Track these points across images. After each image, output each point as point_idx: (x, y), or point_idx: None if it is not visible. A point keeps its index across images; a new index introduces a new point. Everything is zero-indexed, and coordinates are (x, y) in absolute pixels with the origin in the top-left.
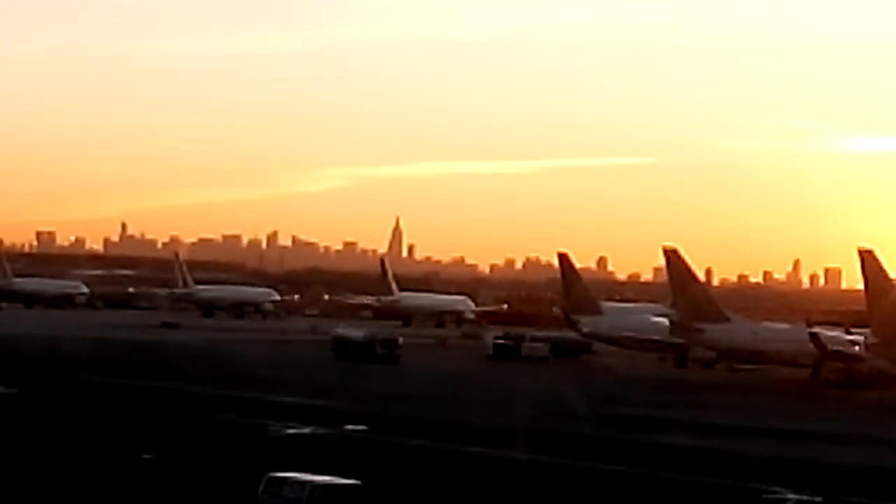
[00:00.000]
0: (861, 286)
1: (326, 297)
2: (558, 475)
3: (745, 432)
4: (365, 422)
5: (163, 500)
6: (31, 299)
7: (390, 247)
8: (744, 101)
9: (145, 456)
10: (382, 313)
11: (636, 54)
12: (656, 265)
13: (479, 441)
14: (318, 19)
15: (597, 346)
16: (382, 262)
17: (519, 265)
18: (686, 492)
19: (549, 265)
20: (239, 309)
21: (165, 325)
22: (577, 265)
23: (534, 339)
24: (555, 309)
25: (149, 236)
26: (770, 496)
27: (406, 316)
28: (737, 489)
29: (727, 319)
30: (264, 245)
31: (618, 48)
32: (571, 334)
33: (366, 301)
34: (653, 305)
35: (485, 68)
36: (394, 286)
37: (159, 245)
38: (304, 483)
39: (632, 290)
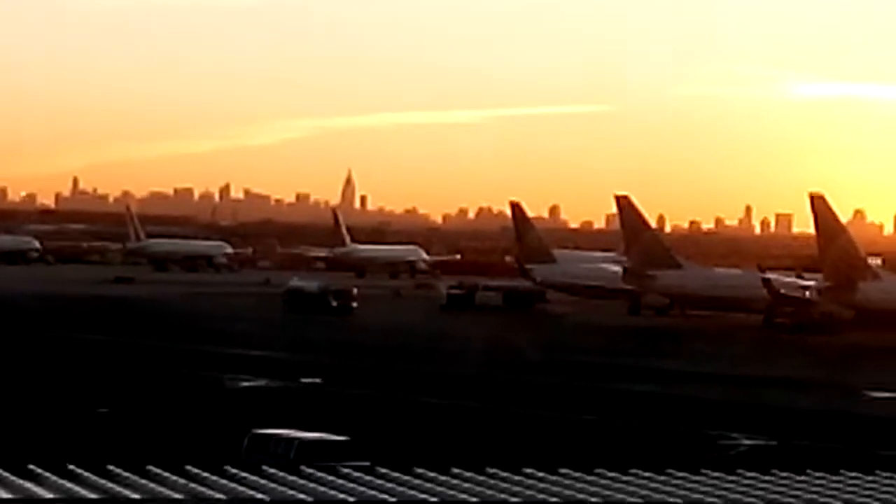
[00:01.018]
0: (812, 231)
1: (280, 249)
2: (519, 423)
3: (699, 378)
4: (320, 374)
5: (123, 455)
6: None
7: (343, 198)
8: (694, 48)
9: (101, 410)
10: (336, 265)
11: (586, 1)
12: (609, 213)
13: (438, 392)
14: None
15: (550, 294)
16: (335, 213)
17: (472, 215)
18: (641, 438)
19: (502, 214)
20: (192, 262)
21: (118, 279)
22: (530, 214)
23: (487, 289)
24: (508, 258)
25: (101, 191)
26: (725, 441)
27: (360, 267)
28: (692, 435)
29: (679, 266)
30: (216, 198)
31: None
32: (525, 283)
33: (319, 253)
34: (605, 253)
35: (436, 17)
36: (347, 238)
37: (111, 200)
38: (291, 440)
39: (584, 238)
